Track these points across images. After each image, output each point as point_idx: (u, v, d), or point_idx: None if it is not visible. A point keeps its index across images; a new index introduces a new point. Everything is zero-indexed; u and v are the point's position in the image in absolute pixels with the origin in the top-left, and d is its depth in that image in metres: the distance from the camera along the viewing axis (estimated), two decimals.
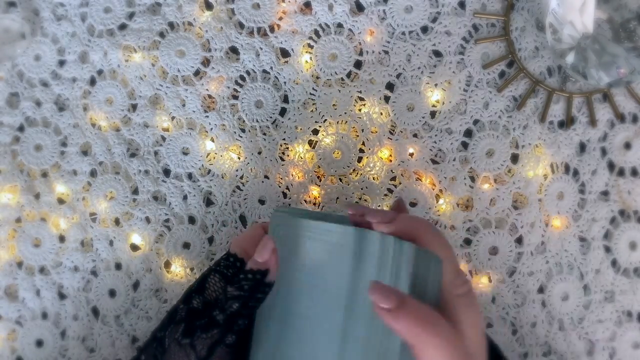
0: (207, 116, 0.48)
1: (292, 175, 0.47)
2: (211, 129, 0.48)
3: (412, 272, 0.30)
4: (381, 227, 0.32)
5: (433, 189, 0.47)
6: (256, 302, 0.34)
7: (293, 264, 0.34)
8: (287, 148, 0.48)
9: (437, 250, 0.32)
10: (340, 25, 0.48)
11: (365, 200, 0.47)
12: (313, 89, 0.47)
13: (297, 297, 0.33)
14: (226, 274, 0.36)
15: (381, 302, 0.28)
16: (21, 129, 0.49)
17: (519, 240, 0.47)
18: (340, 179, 0.47)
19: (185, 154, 0.48)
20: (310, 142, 0.48)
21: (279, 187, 0.47)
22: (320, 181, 0.47)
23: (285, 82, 0.48)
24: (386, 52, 0.47)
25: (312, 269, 0.33)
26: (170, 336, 0.34)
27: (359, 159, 0.47)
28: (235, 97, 0.48)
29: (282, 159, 0.48)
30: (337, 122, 0.47)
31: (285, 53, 0.48)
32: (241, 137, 0.48)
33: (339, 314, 0.31)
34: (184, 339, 0.33)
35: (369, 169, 0.47)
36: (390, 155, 0.47)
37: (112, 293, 0.48)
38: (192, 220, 0.48)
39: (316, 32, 0.48)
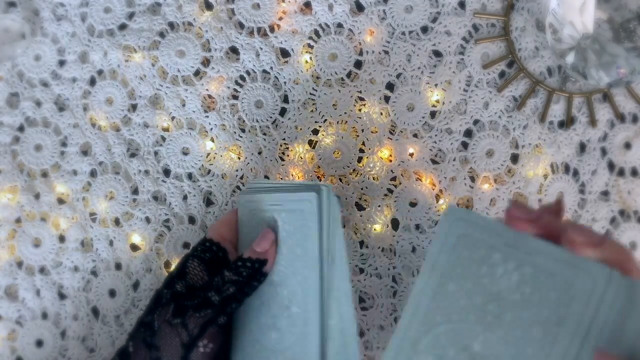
0: (207, 116, 0.48)
1: (292, 175, 0.47)
2: (211, 129, 0.48)
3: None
4: (587, 251, 0.26)
5: (433, 189, 0.47)
6: (250, 288, 0.35)
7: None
8: (287, 148, 0.48)
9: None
10: (340, 25, 0.48)
11: (365, 200, 0.47)
12: (313, 89, 0.47)
13: (275, 266, 0.36)
14: (204, 258, 0.37)
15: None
16: (21, 129, 0.49)
17: None
18: (340, 179, 0.47)
19: (185, 154, 0.48)
20: (310, 142, 0.48)
21: None
22: (320, 181, 0.47)
23: (285, 82, 0.48)
24: (386, 52, 0.47)
25: (285, 239, 0.36)
26: (160, 318, 0.34)
27: (359, 159, 0.47)
28: (235, 97, 0.48)
29: (282, 159, 0.48)
30: (337, 122, 0.47)
31: (285, 53, 0.48)
32: (241, 137, 0.48)
33: (314, 273, 0.34)
34: (174, 319, 0.34)
35: (369, 169, 0.47)
36: (390, 155, 0.47)
37: (112, 293, 0.48)
38: (192, 220, 0.48)
39: (316, 32, 0.48)
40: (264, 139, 0.48)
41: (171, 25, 0.48)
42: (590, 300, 0.25)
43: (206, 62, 0.48)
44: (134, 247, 0.48)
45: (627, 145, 0.48)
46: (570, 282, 0.26)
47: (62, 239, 0.48)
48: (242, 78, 0.48)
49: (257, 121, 0.48)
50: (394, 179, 0.47)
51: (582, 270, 0.25)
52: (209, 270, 0.37)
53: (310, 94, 0.47)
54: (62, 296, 0.48)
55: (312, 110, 0.48)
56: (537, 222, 0.27)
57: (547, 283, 0.26)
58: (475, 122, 0.47)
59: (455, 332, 0.27)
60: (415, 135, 0.47)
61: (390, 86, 0.47)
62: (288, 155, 0.47)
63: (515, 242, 0.27)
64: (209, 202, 0.48)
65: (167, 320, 0.34)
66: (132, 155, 0.48)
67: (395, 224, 0.47)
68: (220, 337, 0.35)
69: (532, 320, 0.26)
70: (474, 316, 0.27)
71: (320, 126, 0.47)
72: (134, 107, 0.48)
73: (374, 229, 0.47)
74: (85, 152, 0.49)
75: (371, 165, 0.47)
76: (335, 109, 0.47)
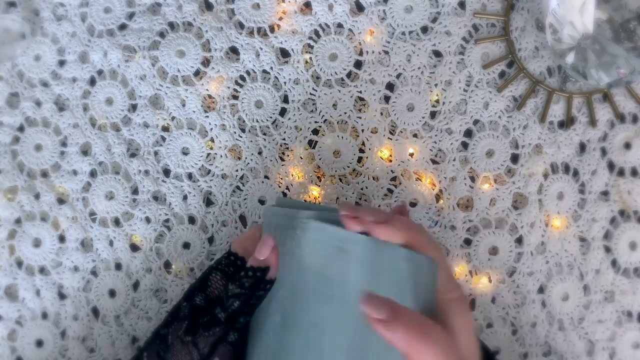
0: (207, 116, 0.48)
1: (292, 175, 0.47)
2: (211, 129, 0.48)
3: (413, 279, 0.30)
4: (377, 229, 0.31)
5: (433, 189, 0.47)
6: (257, 299, 0.34)
7: (293, 263, 0.33)
8: (287, 148, 0.48)
9: (431, 254, 0.32)
10: (340, 25, 0.48)
11: (365, 200, 0.47)
12: (313, 89, 0.47)
13: (303, 301, 0.32)
14: (227, 272, 0.36)
15: (374, 313, 0.28)
16: (21, 129, 0.49)
17: (519, 241, 0.47)
18: (340, 179, 0.47)
19: (185, 154, 0.48)
20: (310, 142, 0.48)
21: (279, 187, 0.47)
22: (320, 181, 0.47)
23: (285, 82, 0.48)
24: (386, 52, 0.47)
25: (317, 273, 0.32)
26: (174, 333, 0.34)
27: (359, 159, 0.47)
28: (235, 97, 0.48)
29: (282, 159, 0.47)
30: (337, 122, 0.47)
31: (285, 53, 0.48)
32: (241, 137, 0.48)
33: (349, 324, 0.30)
34: (186, 336, 0.33)
35: (369, 169, 0.47)
36: (390, 155, 0.47)
37: (112, 293, 0.48)
38: (192, 220, 0.48)
39: (316, 32, 0.48)
40: (264, 139, 0.48)
41: (171, 25, 0.48)
42: (426, 283, 0.31)
43: (206, 62, 0.48)
44: (134, 247, 0.48)
45: (627, 145, 0.48)
46: (407, 274, 0.31)
47: (62, 239, 0.48)
48: (242, 78, 0.48)
49: (257, 121, 0.48)
50: (394, 179, 0.47)
51: (415, 262, 0.31)
52: None
53: (310, 94, 0.47)
54: (62, 296, 0.48)
55: (312, 110, 0.48)
56: (360, 220, 0.31)
57: (385, 274, 0.31)
58: (475, 122, 0.47)
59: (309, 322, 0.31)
60: (415, 135, 0.47)
61: (390, 86, 0.47)
62: (288, 156, 0.47)
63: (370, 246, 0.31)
64: (209, 202, 0.48)
65: (180, 337, 0.33)
66: (132, 155, 0.48)
67: None
68: (232, 354, 0.34)
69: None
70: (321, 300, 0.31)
71: (320, 126, 0.47)
72: (134, 107, 0.48)
73: None
74: (85, 152, 0.49)
75: (371, 165, 0.47)
76: (335, 109, 0.47)
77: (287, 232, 0.34)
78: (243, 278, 0.34)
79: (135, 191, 0.48)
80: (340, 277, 0.31)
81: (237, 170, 0.48)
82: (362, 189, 0.47)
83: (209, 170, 0.48)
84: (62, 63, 0.49)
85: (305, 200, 0.48)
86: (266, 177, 0.47)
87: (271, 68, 0.48)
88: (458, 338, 0.30)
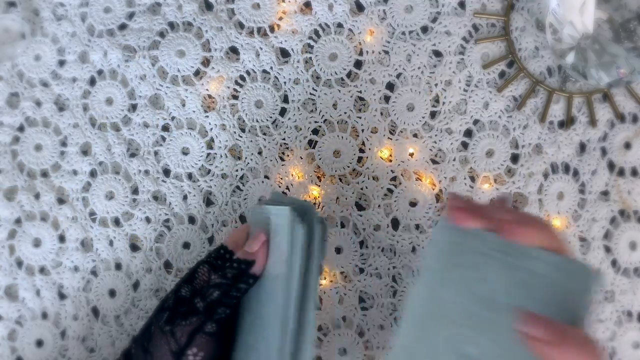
0: (207, 116, 0.48)
1: (292, 175, 0.47)
2: (211, 129, 0.48)
3: (562, 288, 0.27)
4: (522, 235, 0.27)
5: (433, 189, 0.47)
6: (238, 291, 0.34)
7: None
8: (287, 148, 0.48)
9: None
10: (340, 25, 0.48)
11: (365, 200, 0.47)
12: (313, 89, 0.47)
13: (260, 287, 0.35)
14: (215, 265, 0.36)
15: (539, 334, 0.24)
16: (21, 129, 0.49)
17: None
18: (340, 179, 0.47)
19: (185, 154, 0.48)
20: (310, 142, 0.48)
21: (279, 187, 0.47)
22: (320, 181, 0.47)
23: (285, 82, 0.48)
24: (386, 52, 0.47)
25: (273, 260, 0.34)
26: (156, 323, 0.34)
27: (359, 159, 0.47)
28: (235, 97, 0.48)
29: (282, 159, 0.47)
30: (337, 122, 0.47)
31: (285, 53, 0.48)
32: (241, 137, 0.48)
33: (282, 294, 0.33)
34: (166, 325, 0.33)
35: (369, 169, 0.47)
36: (390, 155, 0.47)
37: (112, 293, 0.48)
38: (192, 220, 0.48)
39: (316, 32, 0.48)
40: (264, 139, 0.48)
41: (171, 25, 0.48)
42: (581, 295, 0.26)
43: (206, 62, 0.48)
44: (134, 247, 0.48)
45: (627, 145, 0.48)
46: (559, 283, 0.26)
47: (62, 239, 0.48)
48: (242, 78, 0.48)
49: (257, 121, 0.48)
50: (394, 179, 0.47)
51: (568, 271, 0.26)
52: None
53: (310, 94, 0.47)
54: (62, 296, 0.48)
55: (312, 110, 0.48)
56: (475, 212, 0.28)
57: (536, 285, 0.26)
58: (475, 122, 0.47)
59: (450, 338, 0.27)
60: (415, 135, 0.47)
61: (390, 86, 0.47)
62: (288, 155, 0.47)
63: (504, 248, 0.27)
64: (209, 202, 0.48)
65: (160, 327, 0.33)
66: (132, 155, 0.48)
67: (395, 224, 0.47)
68: (212, 345, 0.33)
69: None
70: (468, 321, 0.27)
71: (320, 126, 0.47)
72: (134, 107, 0.48)
73: (374, 229, 0.47)
74: (85, 152, 0.49)
75: (371, 165, 0.47)
76: (335, 109, 0.47)
77: (265, 228, 0.35)
78: (227, 269, 0.34)
79: (135, 191, 0.48)
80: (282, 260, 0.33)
81: (237, 170, 0.48)
82: (362, 189, 0.47)
83: (209, 170, 0.48)
84: (62, 63, 0.49)
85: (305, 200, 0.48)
86: (266, 177, 0.47)
87: (271, 68, 0.48)
88: None
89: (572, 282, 0.26)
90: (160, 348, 0.33)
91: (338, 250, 0.47)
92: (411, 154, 0.47)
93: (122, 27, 0.48)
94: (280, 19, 0.48)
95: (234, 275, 0.34)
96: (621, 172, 0.48)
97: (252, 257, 0.34)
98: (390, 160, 0.47)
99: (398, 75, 0.47)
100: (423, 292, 0.28)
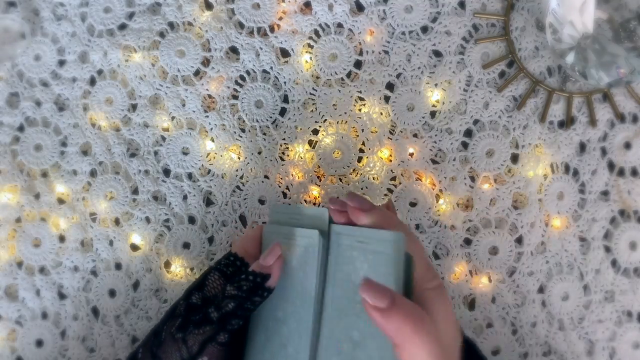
0: (207, 116, 0.48)
1: (292, 175, 0.47)
2: (211, 129, 0.48)
3: (395, 261, 0.31)
4: (360, 216, 0.33)
5: (433, 189, 0.47)
6: (252, 304, 0.34)
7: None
8: (287, 148, 0.48)
9: (408, 246, 0.32)
10: (340, 25, 0.48)
11: None
12: (313, 89, 0.47)
13: (275, 301, 0.35)
14: (226, 272, 0.36)
15: (374, 301, 0.28)
16: (21, 129, 0.49)
17: (519, 240, 0.47)
18: (340, 179, 0.47)
19: (185, 154, 0.48)
20: (310, 142, 0.48)
21: (279, 187, 0.47)
22: (320, 181, 0.47)
23: (285, 82, 0.48)
24: (386, 52, 0.47)
25: (287, 273, 0.34)
26: (167, 330, 0.34)
27: (359, 159, 0.47)
28: (235, 97, 0.48)
29: (282, 159, 0.47)
30: (337, 122, 0.47)
31: (285, 53, 0.48)
32: (241, 137, 0.48)
33: (308, 313, 0.33)
34: (178, 332, 0.33)
35: (369, 169, 0.47)
36: (390, 155, 0.47)
37: (112, 293, 0.48)
38: (192, 220, 0.48)
39: (316, 32, 0.48)
40: (264, 139, 0.47)
41: (171, 25, 0.48)
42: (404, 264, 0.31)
43: (206, 62, 0.48)
44: (134, 247, 0.48)
45: (627, 145, 0.48)
46: (392, 257, 0.31)
47: (62, 239, 0.48)
48: (242, 78, 0.48)
49: (257, 121, 0.48)
50: (394, 179, 0.47)
51: (396, 244, 0.31)
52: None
53: (310, 94, 0.47)
54: (62, 296, 0.48)
55: (312, 110, 0.48)
56: (368, 212, 0.33)
57: (381, 262, 0.31)
58: (475, 122, 0.47)
59: (345, 327, 0.31)
60: (415, 135, 0.47)
61: (390, 86, 0.47)
62: (288, 155, 0.47)
63: (361, 237, 0.32)
64: (209, 202, 0.48)
65: (172, 333, 0.33)
66: (132, 155, 0.48)
67: None
68: (222, 355, 0.33)
69: None
70: (352, 309, 0.31)
71: (320, 126, 0.47)
72: (134, 107, 0.48)
73: None
74: (85, 152, 0.49)
75: (371, 165, 0.47)
76: (335, 109, 0.47)
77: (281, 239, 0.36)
78: (242, 281, 0.34)
79: (135, 191, 0.48)
80: (305, 271, 0.34)
81: (237, 170, 0.48)
82: (362, 189, 0.47)
83: (209, 170, 0.48)
84: (62, 63, 0.49)
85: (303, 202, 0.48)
86: (266, 177, 0.47)
87: (271, 68, 0.48)
88: (440, 327, 0.30)
89: (398, 253, 0.31)
90: (171, 355, 0.33)
91: None
92: (411, 154, 0.47)
93: (122, 27, 0.48)
94: (280, 19, 0.48)
95: (250, 288, 0.34)
96: (621, 172, 0.48)
97: (268, 270, 0.34)
98: (390, 160, 0.47)
99: (398, 75, 0.47)
100: (318, 295, 0.33)
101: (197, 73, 0.48)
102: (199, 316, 0.33)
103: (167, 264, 0.48)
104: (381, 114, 0.47)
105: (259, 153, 0.48)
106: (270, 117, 0.48)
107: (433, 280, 0.32)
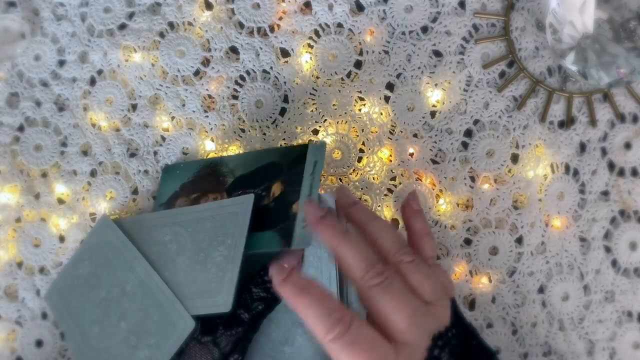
0: (207, 116, 0.48)
1: None
2: (211, 129, 0.48)
3: None
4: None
5: (433, 189, 0.47)
6: (277, 303, 0.36)
7: None
8: None
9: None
10: (340, 25, 0.48)
11: (365, 200, 0.47)
12: (313, 89, 0.47)
13: None
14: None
15: (277, 274, 0.30)
16: (21, 129, 0.49)
17: (519, 240, 0.47)
18: (340, 179, 0.47)
19: (185, 154, 0.48)
20: (310, 142, 0.47)
21: None
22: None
23: (285, 82, 0.48)
24: (386, 52, 0.47)
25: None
26: (187, 340, 0.35)
27: (359, 159, 0.47)
28: (235, 97, 0.48)
29: None
30: (337, 122, 0.47)
31: (285, 53, 0.48)
32: (241, 137, 0.48)
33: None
34: (203, 337, 0.35)
35: (369, 169, 0.47)
36: (390, 155, 0.47)
37: None
38: None
39: (316, 32, 0.48)
40: (264, 139, 0.47)
41: (171, 25, 0.48)
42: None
43: (206, 62, 0.48)
44: None
45: (627, 145, 0.48)
46: (220, 217, 0.37)
47: (62, 239, 0.48)
48: (242, 78, 0.48)
49: (257, 121, 0.48)
50: (394, 179, 0.47)
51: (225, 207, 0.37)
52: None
53: (310, 94, 0.47)
54: None
55: (312, 110, 0.47)
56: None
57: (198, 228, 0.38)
58: (476, 122, 0.47)
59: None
60: (415, 135, 0.47)
61: (390, 86, 0.47)
62: None
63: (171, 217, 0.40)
64: None
65: (197, 339, 0.35)
66: (132, 155, 0.48)
67: (395, 224, 0.47)
68: (246, 348, 0.36)
69: (195, 258, 0.37)
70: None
71: (320, 126, 0.47)
72: (134, 107, 0.48)
73: None
74: (85, 152, 0.49)
75: (371, 165, 0.47)
76: (335, 109, 0.47)
77: None
78: (268, 283, 0.35)
79: (135, 191, 0.48)
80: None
81: None
82: (362, 189, 0.47)
83: None
84: (62, 63, 0.49)
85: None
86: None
87: (271, 68, 0.48)
88: (382, 320, 0.29)
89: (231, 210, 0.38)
90: (201, 358, 0.35)
91: None
92: (411, 154, 0.47)
93: (122, 27, 0.48)
94: (280, 19, 0.48)
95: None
96: (621, 172, 0.48)
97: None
98: (390, 160, 0.47)
99: (398, 75, 0.47)
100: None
101: (197, 73, 0.48)
102: (224, 319, 0.35)
103: None
104: (381, 114, 0.47)
105: None
106: (270, 117, 0.48)
107: (375, 277, 0.29)
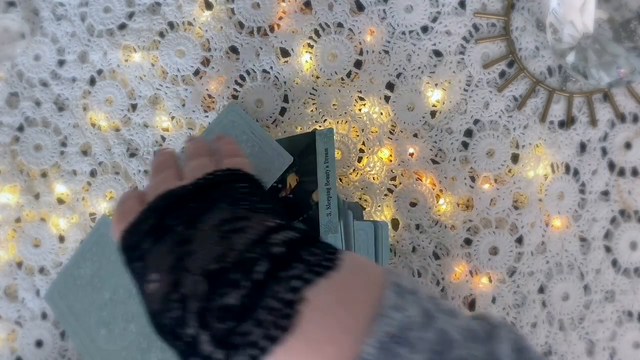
0: (207, 116, 0.48)
1: None
2: None
3: None
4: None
5: (433, 189, 0.47)
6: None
7: None
8: None
9: None
10: (340, 25, 0.48)
11: (365, 200, 0.47)
12: (313, 88, 0.47)
13: None
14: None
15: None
16: (21, 129, 0.49)
17: (519, 240, 0.47)
18: (340, 179, 0.47)
19: None
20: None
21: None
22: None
23: (285, 82, 0.48)
24: (386, 52, 0.47)
25: None
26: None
27: (359, 159, 0.47)
28: (235, 97, 0.48)
29: None
30: (337, 121, 0.47)
31: (285, 53, 0.48)
32: None
33: None
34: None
35: (369, 169, 0.47)
36: (390, 155, 0.47)
37: None
38: None
39: (316, 32, 0.48)
40: None
41: (171, 25, 0.48)
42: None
43: (206, 62, 0.48)
44: None
45: (628, 145, 0.48)
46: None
47: (62, 239, 0.48)
48: (242, 78, 0.48)
49: (257, 121, 0.47)
50: (394, 179, 0.47)
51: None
52: None
53: (310, 93, 0.47)
54: None
55: (312, 110, 0.47)
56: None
57: None
58: (476, 121, 0.47)
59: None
60: (415, 135, 0.47)
61: (390, 86, 0.47)
62: None
63: None
64: None
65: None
66: (132, 155, 0.48)
67: (395, 224, 0.47)
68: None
69: None
70: None
71: (320, 126, 0.47)
72: (133, 107, 0.48)
73: None
74: (85, 152, 0.48)
75: (371, 165, 0.47)
76: (335, 108, 0.47)
77: None
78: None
79: None
80: None
81: None
82: (362, 189, 0.47)
83: None
84: (61, 63, 0.49)
85: None
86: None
87: (271, 68, 0.48)
88: None
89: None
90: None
91: None
92: (411, 154, 0.47)
93: (122, 27, 0.48)
94: (280, 18, 0.48)
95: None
96: (621, 172, 0.48)
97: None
98: (390, 160, 0.47)
99: (398, 75, 0.47)
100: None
101: (197, 73, 0.48)
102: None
103: None
104: (381, 114, 0.47)
105: None
106: (270, 117, 0.48)
107: None
